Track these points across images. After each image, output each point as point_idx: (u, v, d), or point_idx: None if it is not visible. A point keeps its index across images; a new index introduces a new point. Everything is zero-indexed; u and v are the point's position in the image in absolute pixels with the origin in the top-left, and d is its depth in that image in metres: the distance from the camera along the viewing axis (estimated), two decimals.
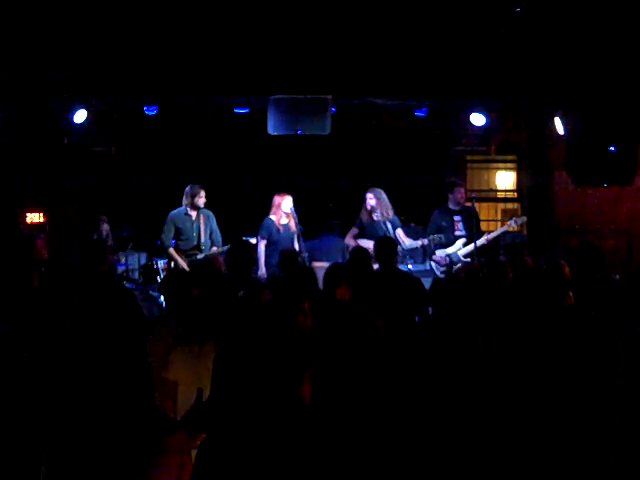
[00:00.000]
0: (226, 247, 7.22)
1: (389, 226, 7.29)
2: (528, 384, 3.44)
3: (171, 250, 7.43)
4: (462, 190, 7.76)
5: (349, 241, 7.45)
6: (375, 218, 7.32)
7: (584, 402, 3.01)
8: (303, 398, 2.33)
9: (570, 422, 3.02)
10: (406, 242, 7.29)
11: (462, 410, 3.07)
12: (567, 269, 4.87)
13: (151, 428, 2.14)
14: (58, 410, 3.21)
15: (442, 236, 7.35)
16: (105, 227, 8.13)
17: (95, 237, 7.98)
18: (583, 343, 3.19)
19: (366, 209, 7.41)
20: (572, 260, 4.90)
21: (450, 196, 7.71)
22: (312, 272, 5.08)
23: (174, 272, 6.86)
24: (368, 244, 7.14)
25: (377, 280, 5.36)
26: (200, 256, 7.29)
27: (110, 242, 7.86)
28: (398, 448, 3.36)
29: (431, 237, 7.33)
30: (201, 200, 7.39)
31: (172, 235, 7.45)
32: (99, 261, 4.77)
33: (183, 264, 7.31)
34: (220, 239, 7.50)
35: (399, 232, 7.40)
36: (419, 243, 7.29)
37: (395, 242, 5.88)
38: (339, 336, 3.89)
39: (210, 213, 7.55)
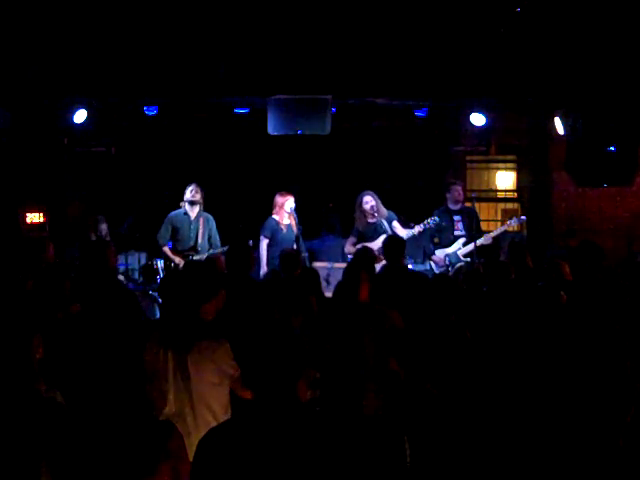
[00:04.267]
0: (225, 248, 7.25)
1: (385, 224, 7.26)
2: (527, 384, 3.45)
3: (165, 249, 7.42)
4: (459, 189, 7.74)
5: (348, 249, 7.41)
6: (375, 219, 7.30)
7: (589, 402, 3.00)
8: (299, 396, 2.33)
9: (573, 421, 3.02)
10: (403, 233, 7.23)
11: (469, 410, 3.07)
12: (567, 269, 4.87)
13: (146, 432, 2.13)
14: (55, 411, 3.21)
15: (437, 218, 7.32)
16: (103, 227, 8.11)
17: (94, 237, 7.96)
18: (583, 341, 3.19)
19: (364, 212, 7.34)
20: (573, 260, 4.90)
21: (448, 196, 7.70)
22: (316, 273, 5.09)
23: (172, 273, 6.85)
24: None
25: (385, 278, 5.38)
26: (196, 257, 7.28)
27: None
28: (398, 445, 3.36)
29: (425, 222, 7.28)
30: (197, 196, 7.35)
31: (168, 235, 7.44)
32: (103, 261, 4.76)
33: (179, 263, 7.29)
34: (219, 243, 7.48)
35: (395, 224, 7.36)
36: (416, 230, 7.24)
37: (404, 241, 5.90)
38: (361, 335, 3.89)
39: (210, 216, 7.53)
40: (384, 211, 7.36)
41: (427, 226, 7.26)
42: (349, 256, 7.29)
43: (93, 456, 2.27)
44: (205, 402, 3.44)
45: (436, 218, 7.32)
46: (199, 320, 3.55)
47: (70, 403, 3.35)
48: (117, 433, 2.19)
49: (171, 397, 3.51)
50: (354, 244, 7.39)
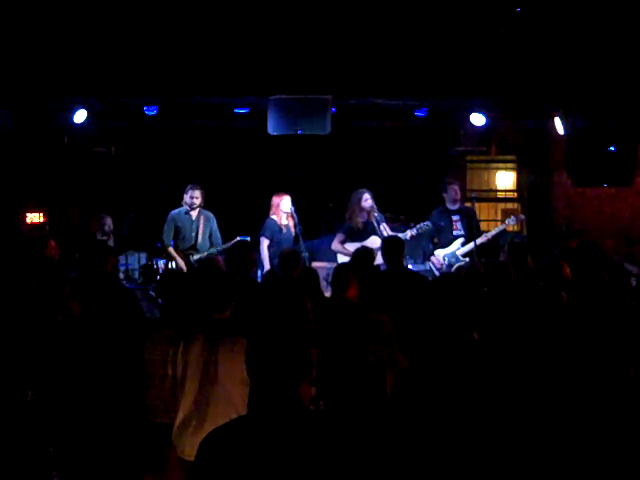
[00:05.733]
0: (224, 246, 7.26)
1: (375, 224, 7.24)
2: (528, 384, 3.45)
3: (170, 249, 7.44)
4: (456, 188, 7.71)
5: (336, 247, 7.37)
6: (370, 218, 7.27)
7: (588, 402, 3.00)
8: (302, 398, 2.33)
9: (572, 421, 3.02)
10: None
11: (466, 410, 3.07)
12: (568, 269, 4.86)
13: (142, 441, 2.13)
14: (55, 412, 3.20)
15: (429, 223, 7.31)
16: (108, 222, 8.10)
17: (99, 236, 7.96)
18: (584, 342, 3.19)
19: (362, 210, 7.31)
20: (573, 260, 4.89)
21: (445, 195, 7.66)
22: (315, 273, 5.08)
23: (169, 274, 6.85)
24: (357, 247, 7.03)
25: (386, 279, 5.37)
26: (196, 256, 7.30)
27: (112, 242, 7.84)
28: (397, 444, 3.37)
29: (418, 226, 7.26)
30: (196, 200, 7.39)
31: (172, 234, 7.47)
32: (102, 261, 4.76)
33: (181, 264, 7.31)
34: (220, 242, 7.49)
35: (384, 226, 7.33)
36: (408, 235, 7.21)
37: (402, 241, 5.87)
38: (345, 337, 3.90)
39: (211, 215, 7.55)
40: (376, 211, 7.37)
41: (420, 231, 7.25)
42: (344, 256, 7.22)
43: (77, 464, 2.27)
44: (232, 401, 3.32)
45: (429, 223, 7.31)
46: (215, 319, 3.55)
47: (63, 404, 3.35)
48: (106, 442, 2.19)
49: (187, 399, 3.42)
50: (342, 241, 7.35)
